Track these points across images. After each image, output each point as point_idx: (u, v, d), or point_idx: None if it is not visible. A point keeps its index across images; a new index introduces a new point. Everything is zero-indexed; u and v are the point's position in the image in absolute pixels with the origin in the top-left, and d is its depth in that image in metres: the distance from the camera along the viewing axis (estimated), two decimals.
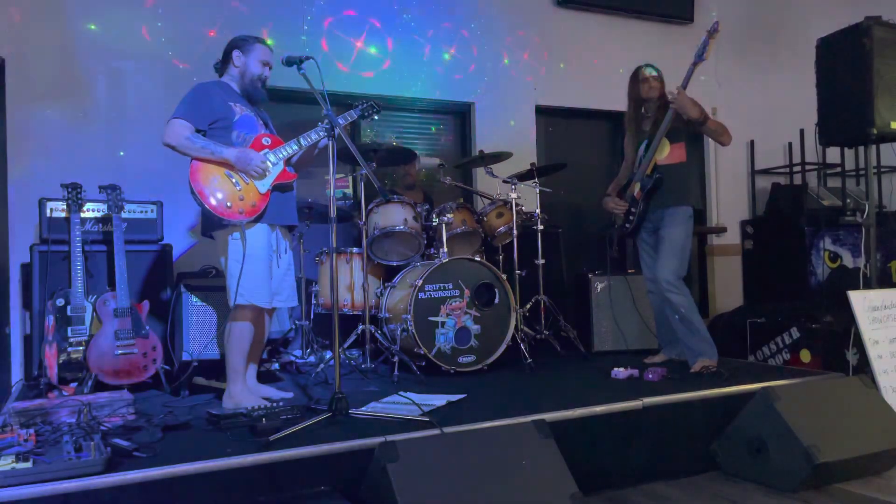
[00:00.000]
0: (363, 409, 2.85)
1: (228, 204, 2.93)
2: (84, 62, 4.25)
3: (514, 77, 5.50)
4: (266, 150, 3.06)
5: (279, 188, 3.09)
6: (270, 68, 3.20)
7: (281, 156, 3.09)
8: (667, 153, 3.69)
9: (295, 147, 3.12)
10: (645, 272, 3.90)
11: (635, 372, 3.52)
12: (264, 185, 3.03)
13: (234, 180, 2.97)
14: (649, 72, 3.74)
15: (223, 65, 3.21)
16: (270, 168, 3.04)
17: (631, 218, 3.80)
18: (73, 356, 3.32)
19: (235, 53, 3.15)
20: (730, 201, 6.23)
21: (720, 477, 2.92)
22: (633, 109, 3.86)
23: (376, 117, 3.45)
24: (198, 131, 2.98)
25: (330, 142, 2.82)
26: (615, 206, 3.88)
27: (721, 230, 6.04)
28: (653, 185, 3.68)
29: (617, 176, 4.07)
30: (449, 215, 4.05)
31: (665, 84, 3.76)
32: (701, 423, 3.01)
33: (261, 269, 3.03)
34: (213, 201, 2.91)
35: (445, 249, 3.93)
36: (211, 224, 3.05)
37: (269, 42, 3.26)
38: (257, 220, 3.02)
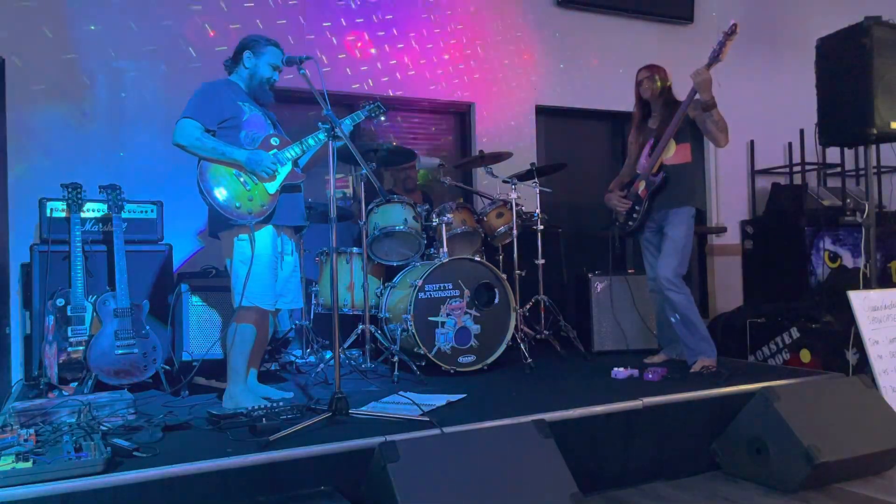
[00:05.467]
0: (363, 409, 2.85)
1: (237, 204, 2.94)
2: (84, 62, 4.25)
3: (514, 77, 5.50)
4: (275, 150, 3.06)
5: (287, 188, 3.09)
6: (280, 72, 3.20)
7: (289, 156, 3.09)
8: (672, 153, 3.69)
9: (304, 147, 3.12)
10: (648, 271, 3.91)
11: (635, 372, 3.52)
12: (273, 186, 3.03)
13: (242, 180, 2.97)
14: (641, 75, 3.82)
15: (233, 63, 3.20)
16: (280, 169, 3.04)
17: (634, 216, 3.80)
18: (73, 356, 3.31)
19: (247, 54, 3.15)
20: (730, 201, 6.23)
21: (720, 477, 2.92)
22: (639, 108, 3.90)
23: (382, 118, 3.45)
24: (207, 131, 2.98)
25: (331, 142, 2.82)
26: (618, 202, 3.88)
27: (721, 230, 6.04)
28: (658, 185, 3.68)
29: (620, 173, 4.08)
30: (449, 215, 4.05)
31: (668, 82, 3.77)
32: (701, 423, 3.01)
33: (266, 271, 3.03)
34: (221, 201, 2.91)
35: (445, 249, 3.93)
36: (218, 225, 3.05)
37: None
38: (266, 220, 3.02)
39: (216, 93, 3.05)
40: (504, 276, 3.94)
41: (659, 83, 3.76)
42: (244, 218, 2.94)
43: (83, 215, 3.64)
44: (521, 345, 3.88)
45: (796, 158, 6.10)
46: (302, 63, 2.87)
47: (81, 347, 3.33)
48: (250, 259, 2.97)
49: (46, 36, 4.16)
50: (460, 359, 3.73)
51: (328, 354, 3.92)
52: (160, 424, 2.62)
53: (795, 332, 4.26)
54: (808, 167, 5.98)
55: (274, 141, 3.09)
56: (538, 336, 4.26)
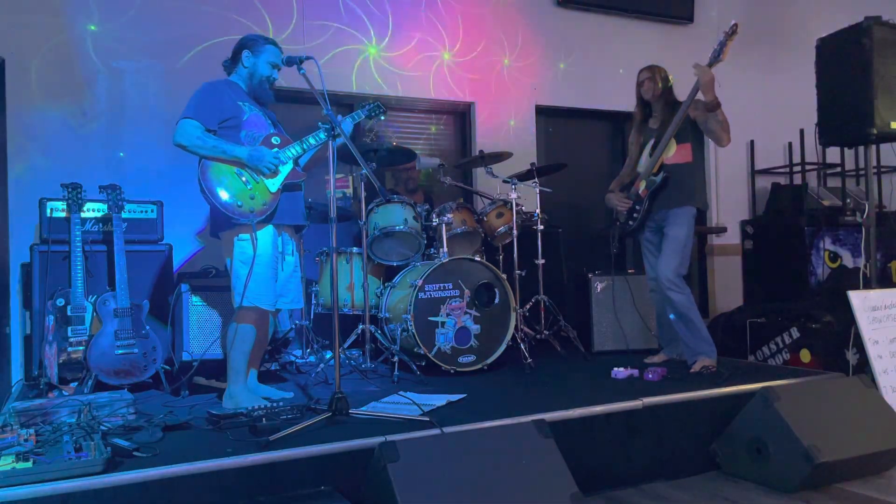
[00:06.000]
0: (363, 409, 2.85)
1: (239, 203, 2.94)
2: (84, 62, 4.25)
3: (514, 77, 5.50)
4: (275, 149, 3.06)
5: (287, 188, 3.09)
6: (279, 70, 3.20)
7: (290, 155, 3.09)
8: (673, 153, 3.69)
9: (304, 146, 3.13)
10: (648, 272, 3.91)
11: (635, 372, 3.52)
12: (274, 184, 3.04)
13: (244, 178, 2.97)
14: (642, 76, 3.82)
15: (232, 63, 3.20)
16: (281, 167, 3.04)
17: (635, 216, 3.80)
18: (73, 356, 3.31)
19: (245, 53, 3.15)
20: (730, 201, 6.23)
21: (720, 477, 2.92)
22: (640, 109, 3.91)
23: (383, 118, 3.45)
24: (207, 130, 2.98)
25: (331, 142, 2.82)
26: (619, 202, 3.88)
27: (721, 230, 6.04)
28: (659, 185, 3.68)
29: (620, 172, 4.08)
30: (449, 215, 4.05)
31: (669, 83, 3.78)
32: (701, 423, 3.01)
33: (266, 271, 3.03)
34: (223, 200, 2.92)
35: (445, 249, 3.93)
36: (219, 224, 3.06)
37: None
38: (267, 219, 3.02)
39: (216, 92, 3.05)
40: (504, 276, 3.94)
41: (660, 84, 3.76)
42: (246, 216, 2.94)
43: (83, 215, 3.64)
44: (521, 345, 3.88)
45: (796, 158, 6.10)
46: (302, 63, 2.87)
47: (81, 347, 3.33)
48: (251, 259, 2.97)
49: (46, 36, 4.15)
50: (460, 359, 3.73)
51: (328, 354, 3.92)
52: (160, 424, 2.62)
53: (795, 332, 4.26)
54: (808, 167, 5.98)
55: (275, 140, 3.09)
56: (538, 336, 4.26)
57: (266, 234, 3.04)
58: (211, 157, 2.95)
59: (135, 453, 2.27)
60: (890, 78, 3.70)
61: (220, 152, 2.94)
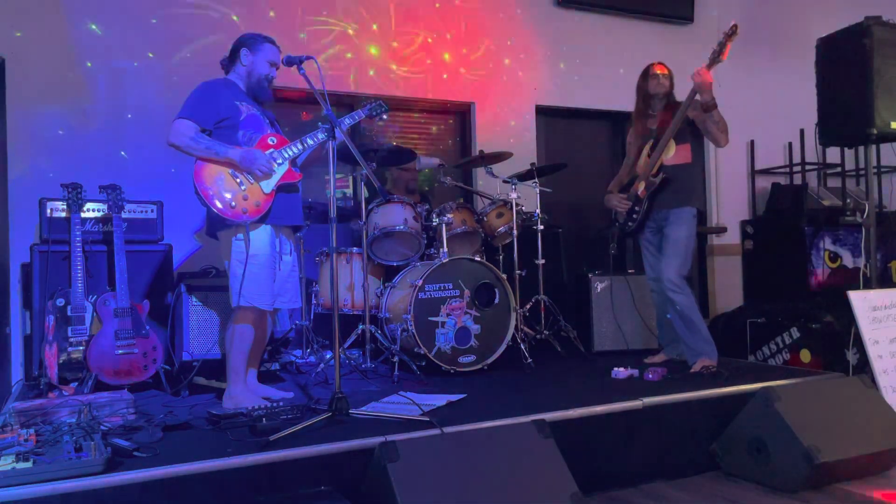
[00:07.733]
0: (363, 409, 2.85)
1: (233, 204, 2.93)
2: (84, 62, 4.25)
3: (514, 77, 5.50)
4: (272, 149, 3.06)
5: (284, 188, 3.09)
6: (278, 69, 3.19)
7: (286, 155, 3.08)
8: (672, 153, 3.69)
9: (300, 147, 3.12)
10: (648, 272, 3.91)
11: (635, 372, 3.53)
12: (269, 185, 3.03)
13: (238, 180, 2.97)
14: (658, 68, 3.77)
15: (230, 62, 3.19)
16: (276, 168, 3.04)
17: (634, 217, 3.80)
18: (74, 356, 3.32)
19: (243, 52, 3.14)
20: (730, 201, 6.23)
21: (720, 477, 2.92)
22: (641, 106, 3.87)
23: (385, 117, 3.43)
24: (203, 131, 2.97)
25: (331, 142, 2.82)
26: (619, 203, 3.88)
27: (721, 230, 6.03)
28: (658, 186, 3.68)
29: (618, 173, 4.08)
30: (449, 215, 4.05)
31: (675, 86, 3.77)
32: (701, 423, 3.01)
33: (263, 270, 3.03)
34: (216, 201, 2.91)
35: (445, 249, 3.93)
36: (215, 224, 3.05)
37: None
38: (262, 220, 3.02)
39: (213, 92, 3.05)
40: (504, 276, 3.94)
41: (670, 81, 3.75)
42: (239, 217, 2.94)
43: (83, 215, 3.64)
44: (521, 345, 3.88)
45: (796, 158, 6.10)
46: (302, 63, 2.87)
47: (81, 347, 3.33)
48: (246, 259, 2.97)
49: (46, 36, 4.15)
50: (460, 359, 3.73)
51: (328, 354, 3.92)
52: (160, 424, 2.62)
53: (795, 332, 4.26)
54: (808, 167, 5.98)
55: (271, 140, 3.08)
56: (538, 336, 4.25)
57: (263, 234, 3.04)
58: (204, 157, 2.94)
59: (135, 453, 2.27)
60: (890, 78, 3.70)
61: (214, 154, 2.93)
